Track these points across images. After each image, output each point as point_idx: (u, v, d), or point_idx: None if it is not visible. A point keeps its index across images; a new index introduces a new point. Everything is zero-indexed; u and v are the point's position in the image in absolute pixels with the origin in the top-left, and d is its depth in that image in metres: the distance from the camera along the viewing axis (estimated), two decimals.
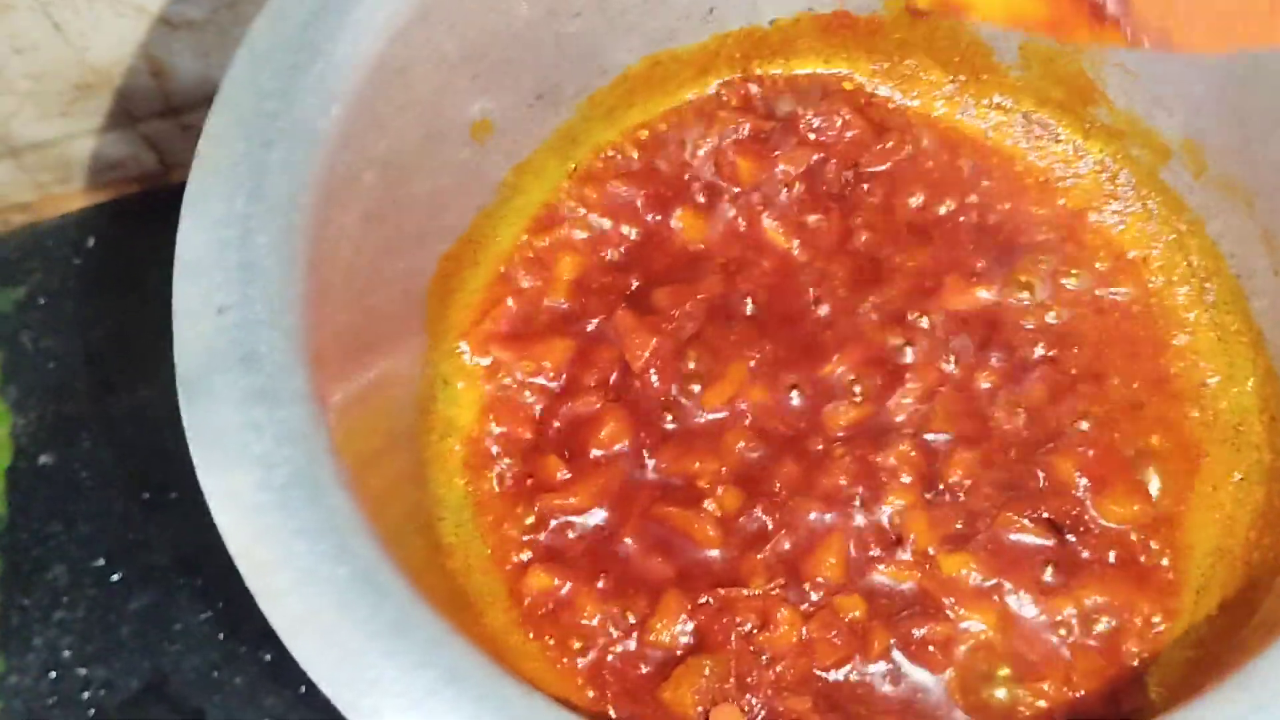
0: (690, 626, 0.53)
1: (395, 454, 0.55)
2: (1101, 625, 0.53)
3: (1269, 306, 0.55)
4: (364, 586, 0.39)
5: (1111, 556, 0.54)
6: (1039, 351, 0.59)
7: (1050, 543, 0.54)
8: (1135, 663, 0.52)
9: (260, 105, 0.47)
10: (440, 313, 0.59)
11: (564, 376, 0.59)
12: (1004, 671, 0.52)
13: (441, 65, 0.54)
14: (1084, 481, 0.55)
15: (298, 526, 0.40)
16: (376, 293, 0.53)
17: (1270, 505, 0.52)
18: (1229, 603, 0.51)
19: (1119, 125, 0.60)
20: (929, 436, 0.57)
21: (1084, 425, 0.56)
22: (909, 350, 0.58)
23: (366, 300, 0.52)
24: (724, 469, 0.57)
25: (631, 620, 0.54)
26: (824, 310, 0.60)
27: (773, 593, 0.54)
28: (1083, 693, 0.51)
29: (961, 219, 0.62)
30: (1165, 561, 0.54)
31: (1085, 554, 0.54)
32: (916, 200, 0.62)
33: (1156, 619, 0.53)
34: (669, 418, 0.58)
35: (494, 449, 0.58)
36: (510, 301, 0.61)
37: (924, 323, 0.59)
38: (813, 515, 0.55)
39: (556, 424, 0.58)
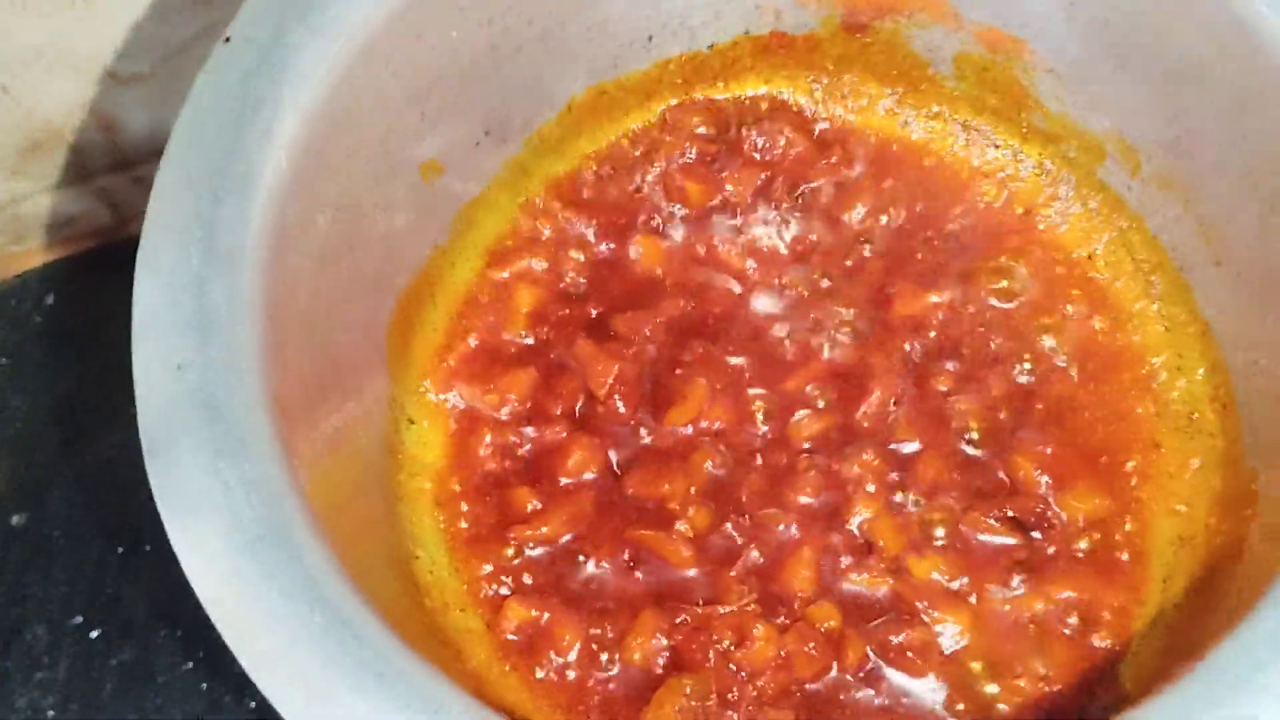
0: (667, 645, 0.54)
1: (366, 496, 0.55)
2: (1072, 619, 0.54)
3: (1212, 297, 0.56)
4: (342, 634, 0.40)
5: (1077, 551, 0.55)
6: (992, 352, 0.59)
7: (1017, 541, 0.55)
8: (1107, 654, 0.53)
9: (208, 159, 0.48)
10: (402, 352, 0.59)
11: (529, 407, 0.60)
12: (983, 669, 0.53)
13: (387, 108, 0.54)
14: (1045, 479, 0.56)
15: (272, 580, 0.40)
16: (336, 337, 0.53)
17: (1227, 490, 0.53)
18: (1195, 589, 0.52)
19: (1054, 129, 0.61)
20: (894, 444, 0.57)
21: (1041, 424, 0.57)
22: (867, 360, 0.59)
23: (327, 345, 0.52)
24: (693, 488, 0.57)
25: (610, 643, 0.54)
26: (782, 327, 0.60)
27: (748, 608, 0.54)
28: (1058, 687, 0.52)
29: (908, 228, 0.63)
30: (1128, 554, 0.55)
31: (1051, 550, 0.55)
32: (863, 212, 0.63)
33: (1125, 609, 0.54)
34: (635, 442, 0.58)
35: (463, 484, 0.58)
36: (471, 337, 0.61)
37: (878, 332, 0.60)
38: (782, 529, 0.56)
39: (524, 455, 0.59)
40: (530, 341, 0.61)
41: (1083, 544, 0.55)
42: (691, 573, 0.56)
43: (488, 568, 0.56)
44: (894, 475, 0.57)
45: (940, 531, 0.56)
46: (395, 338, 0.58)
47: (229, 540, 0.41)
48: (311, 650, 0.39)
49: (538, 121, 0.62)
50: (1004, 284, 0.61)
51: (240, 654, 0.39)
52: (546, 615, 0.55)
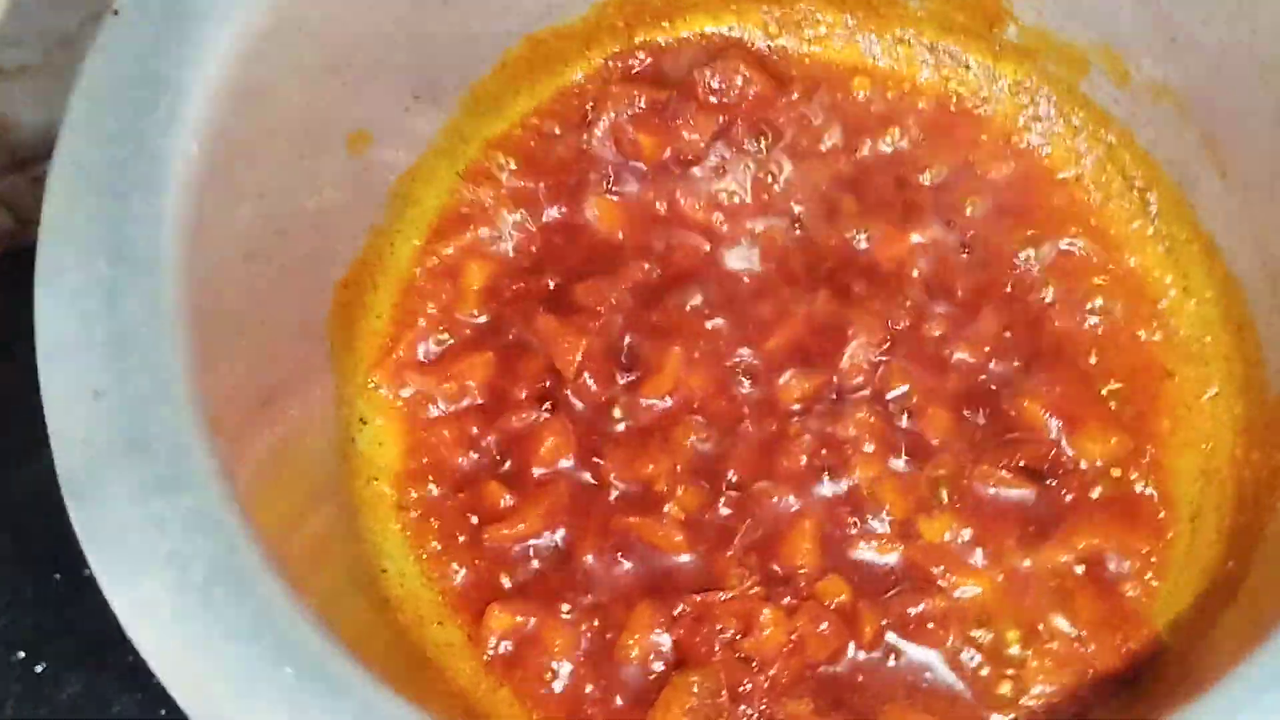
0: (667, 639, 0.49)
1: (321, 510, 0.50)
2: (1097, 570, 0.50)
3: (1217, 210, 0.52)
4: (315, 685, 0.35)
5: (1096, 496, 0.51)
6: (983, 291, 0.55)
7: (1031, 491, 0.51)
8: (1140, 605, 0.49)
9: (106, 152, 0.42)
10: (346, 346, 0.54)
11: (491, 394, 0.55)
12: (1010, 635, 0.49)
13: (305, 79, 0.48)
14: (1055, 422, 0.52)
15: (228, 629, 0.35)
16: (271, 337, 0.48)
17: (1251, 418, 0.50)
18: (1228, 528, 0.49)
19: (1030, 43, 0.57)
20: (890, 396, 0.53)
21: (1044, 361, 0.54)
22: (853, 309, 0.55)
23: (263, 349, 0.47)
24: (679, 466, 0.53)
25: (606, 644, 0.50)
26: (758, 283, 0.56)
27: (751, 592, 0.50)
28: (1092, 647, 0.48)
29: (881, 163, 0.58)
30: (1151, 492, 0.51)
31: (1069, 497, 0.51)
32: (832, 151, 0.59)
33: (1153, 555, 0.50)
34: (612, 422, 0.54)
35: (427, 485, 0.53)
36: (420, 322, 0.56)
37: (862, 278, 0.56)
38: (778, 501, 0.52)
39: (491, 447, 0.54)
40: (485, 321, 0.56)
41: (1101, 488, 0.52)
42: (686, 558, 0.51)
43: (463, 574, 0.52)
44: (894, 432, 0.53)
45: (949, 488, 0.52)
46: (337, 332, 0.53)
47: (172, 588, 0.36)
48: (281, 709, 0.34)
49: (471, 80, 0.57)
50: (988, 216, 0.57)
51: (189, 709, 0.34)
52: (533, 620, 0.50)
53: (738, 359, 0.55)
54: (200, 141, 0.43)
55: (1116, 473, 0.52)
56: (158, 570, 0.36)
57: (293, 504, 0.47)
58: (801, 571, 0.51)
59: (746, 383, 0.54)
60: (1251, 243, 0.50)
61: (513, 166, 0.58)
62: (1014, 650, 0.49)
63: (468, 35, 0.55)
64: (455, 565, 0.52)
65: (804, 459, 0.52)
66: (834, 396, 0.54)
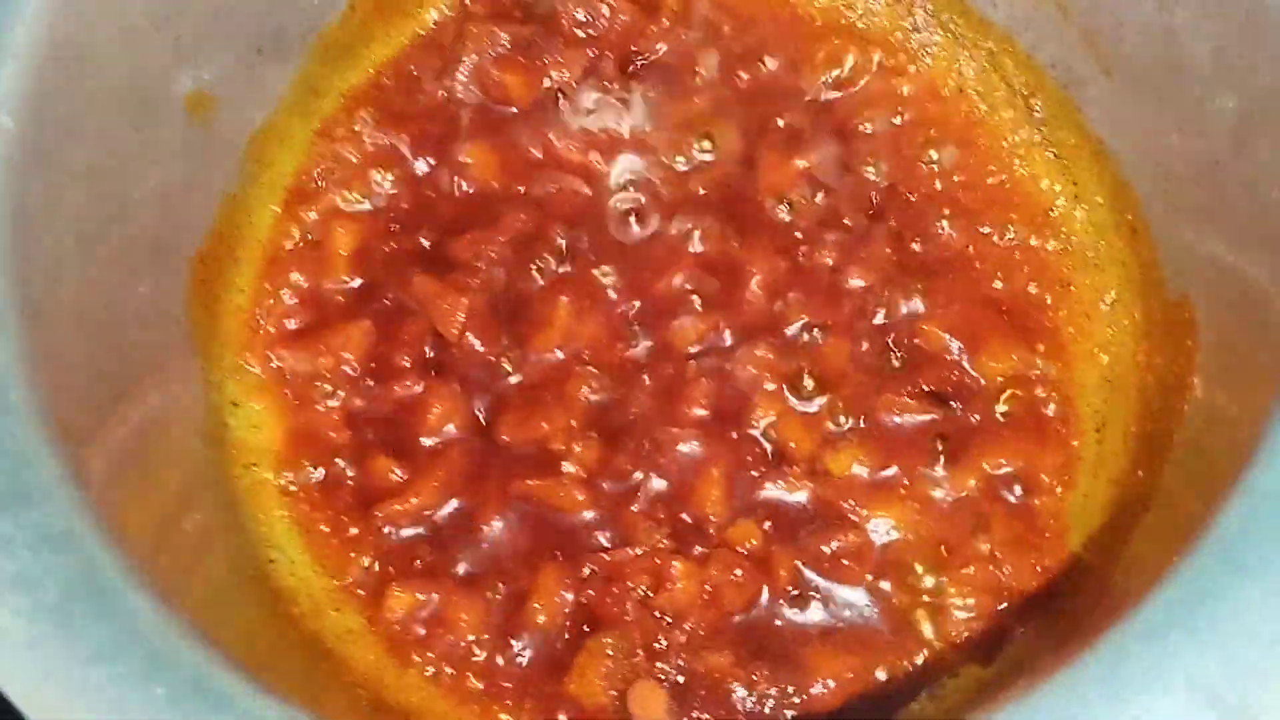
0: (576, 602, 0.47)
1: (196, 504, 0.47)
2: (1008, 490, 0.49)
3: (1104, 113, 0.51)
4: (191, 703, 0.32)
5: (1001, 414, 0.50)
6: (874, 213, 0.54)
7: (937, 416, 0.50)
8: (1053, 523, 0.48)
9: None
10: (209, 326, 0.50)
11: (371, 363, 0.52)
12: (926, 564, 0.48)
13: (131, 38, 0.45)
14: (956, 344, 0.51)
15: (90, 651, 0.32)
16: (120, 327, 0.44)
17: (1152, 322, 0.49)
18: (1135, 436, 0.48)
19: None
20: (788, 332, 0.51)
21: (938, 283, 0.52)
22: (740, 244, 0.53)
23: (111, 338, 0.43)
24: (574, 422, 0.50)
25: (514, 613, 0.48)
26: (642, 223, 0.53)
27: (660, 545, 0.48)
28: (1008, 569, 0.47)
29: (760, 89, 0.56)
30: (1055, 408, 0.50)
31: (975, 419, 0.50)
32: (709, 74, 0.56)
33: (1062, 469, 0.49)
34: (501, 382, 0.51)
35: (310, 466, 0.50)
36: (286, 294, 0.52)
37: (750, 210, 0.54)
38: (681, 448, 0.50)
39: (375, 419, 0.51)
40: (358, 287, 0.53)
41: (1005, 405, 0.50)
42: (590, 516, 0.49)
43: (357, 556, 0.49)
44: (793, 367, 0.51)
45: (853, 420, 0.50)
46: (198, 311, 0.50)
47: (24, 613, 0.32)
48: None
49: (319, 28, 0.53)
50: (872, 134, 0.55)
51: None
52: (435, 597, 0.48)
53: (628, 305, 0.52)
54: (15, 116, 0.39)
55: (1020, 391, 0.50)
56: (5, 594, 0.33)
57: (163, 502, 0.44)
58: (711, 519, 0.49)
59: (639, 329, 0.52)
60: (1141, 143, 0.49)
61: (373, 119, 0.55)
62: (930, 580, 0.48)
63: None
64: (348, 548, 0.49)
65: (704, 403, 0.50)
66: (729, 336, 0.52)
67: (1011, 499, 0.49)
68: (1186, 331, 0.45)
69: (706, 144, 0.55)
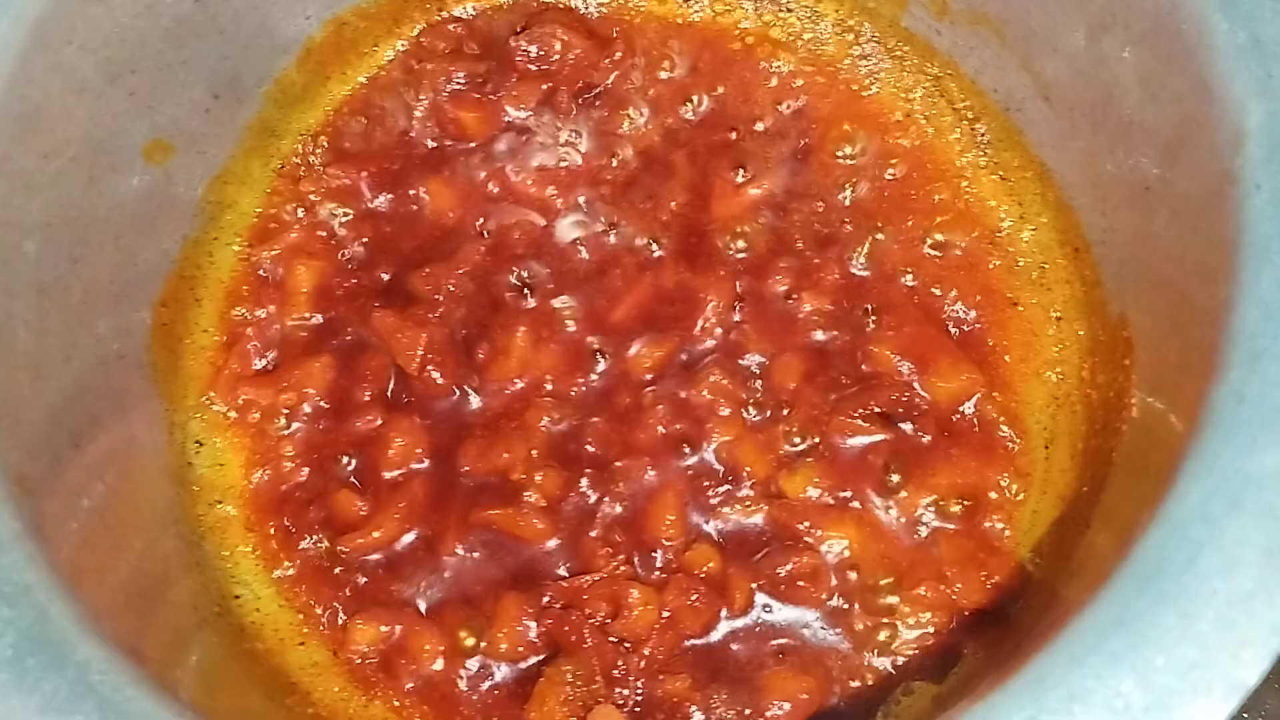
0: (536, 630, 0.48)
1: (159, 544, 0.48)
2: (959, 508, 0.50)
3: (1045, 136, 0.52)
4: None
5: (950, 434, 0.51)
6: (825, 239, 0.54)
7: (888, 436, 0.51)
8: (1002, 538, 0.49)
9: None
10: (171, 368, 0.51)
11: (334, 398, 0.52)
12: (880, 584, 0.49)
13: (85, 94, 0.45)
14: (906, 365, 0.52)
15: (43, 702, 0.33)
16: (79, 373, 0.45)
17: (1096, 339, 0.50)
18: (1080, 452, 0.49)
19: None
20: (741, 357, 0.52)
21: (890, 304, 0.53)
22: (698, 272, 0.54)
23: (69, 384, 0.44)
24: (534, 451, 0.51)
25: (473, 643, 0.49)
26: (599, 253, 0.54)
27: (618, 571, 0.49)
28: (959, 586, 0.48)
29: (714, 118, 0.57)
30: (1005, 424, 0.51)
31: (926, 438, 0.51)
32: (663, 109, 0.57)
33: (1011, 486, 0.50)
34: (462, 414, 0.52)
35: (275, 501, 0.51)
36: (250, 332, 0.53)
37: (704, 238, 0.54)
38: (638, 475, 0.51)
39: (339, 453, 0.52)
40: (320, 323, 0.54)
41: (955, 425, 0.51)
42: (552, 544, 0.50)
43: (322, 589, 0.50)
44: (748, 392, 0.52)
45: (807, 442, 0.51)
46: (160, 353, 0.51)
47: None
48: None
49: (274, 72, 0.54)
50: (824, 162, 0.56)
51: None
52: (399, 628, 0.49)
53: (586, 334, 0.53)
54: None
55: (970, 408, 0.51)
56: None
57: (124, 546, 0.44)
58: (668, 544, 0.50)
59: (597, 357, 0.53)
60: (1079, 165, 0.50)
61: (332, 158, 0.56)
62: (883, 600, 0.49)
63: (262, 26, 0.52)
64: (313, 582, 0.50)
65: (660, 429, 0.51)
66: (685, 363, 0.52)
67: (962, 517, 0.50)
68: (1125, 350, 0.46)
69: (660, 174, 0.56)
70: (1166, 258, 0.43)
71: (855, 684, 0.48)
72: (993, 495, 0.50)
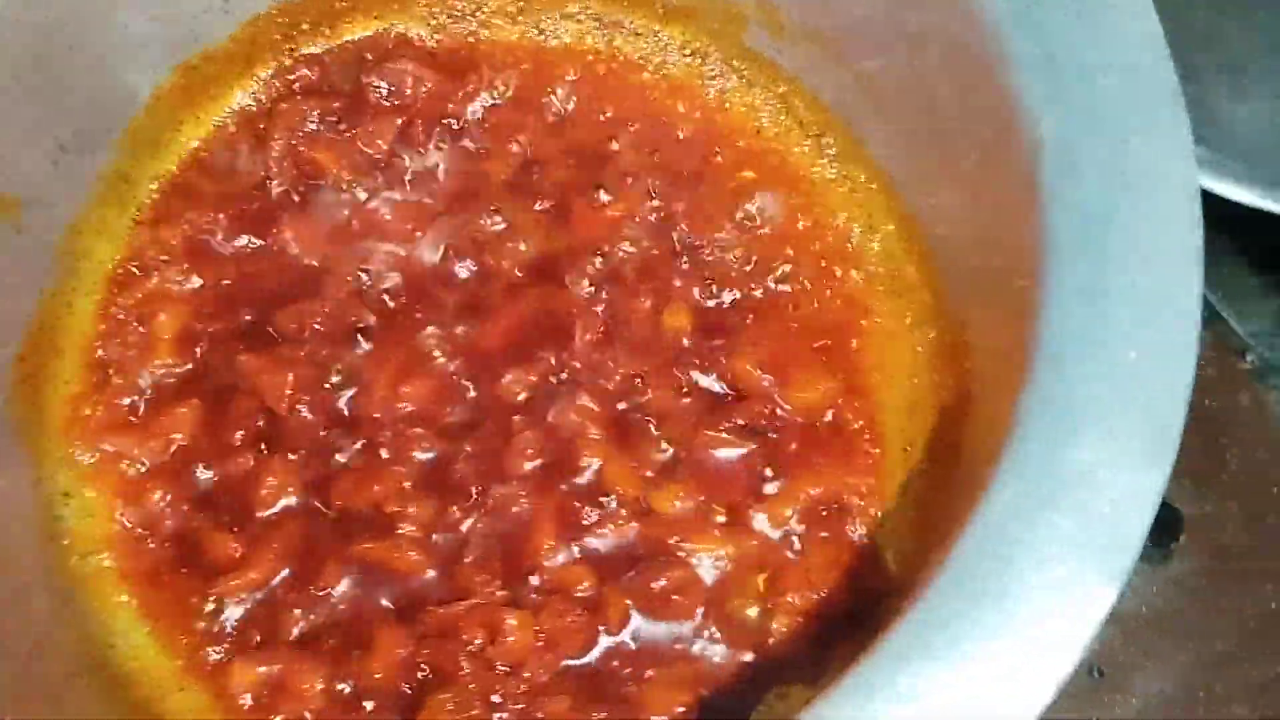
0: (415, 660, 0.49)
1: (32, 600, 0.48)
2: (824, 514, 0.51)
3: (885, 148, 0.53)
4: None
5: (814, 442, 0.52)
6: (688, 255, 0.56)
7: (753, 448, 0.52)
8: (865, 541, 0.51)
9: None
10: (33, 421, 0.51)
11: (203, 442, 0.53)
12: (751, 593, 0.50)
13: None
14: (767, 378, 0.53)
15: None
16: None
17: (943, 343, 0.51)
18: (935, 453, 0.50)
19: (690, 3, 0.57)
20: (607, 378, 0.53)
21: (749, 319, 0.54)
22: (565, 296, 0.55)
23: None
24: (407, 483, 0.52)
25: (356, 677, 0.49)
26: (465, 282, 0.55)
27: (495, 597, 0.50)
28: (825, 591, 0.49)
29: (570, 143, 0.58)
30: (865, 430, 0.52)
31: (791, 448, 0.52)
32: (519, 135, 0.58)
33: (874, 491, 0.52)
34: (333, 450, 0.52)
35: (148, 548, 0.51)
36: (115, 381, 0.53)
37: (569, 262, 0.55)
38: (510, 501, 0.51)
39: (209, 497, 0.52)
40: (186, 369, 0.54)
41: (818, 433, 0.53)
42: (430, 575, 0.51)
43: (200, 634, 0.50)
44: (616, 413, 0.53)
45: (675, 458, 0.52)
46: (21, 409, 0.51)
47: None
48: None
49: (124, 121, 0.54)
50: (681, 179, 0.57)
51: None
52: (278, 667, 0.49)
53: (453, 363, 0.54)
54: None
55: (830, 417, 0.53)
56: None
57: None
58: (543, 567, 0.50)
59: (467, 386, 0.53)
60: (917, 175, 0.51)
61: (189, 203, 0.56)
62: (755, 609, 0.50)
63: (109, 75, 0.52)
64: (190, 626, 0.50)
65: (531, 455, 0.52)
66: (553, 386, 0.53)
67: (828, 523, 0.51)
68: (965, 353, 0.48)
69: (521, 199, 0.57)
70: (995, 265, 0.45)
71: (730, 692, 0.49)
72: (857, 501, 0.52)
